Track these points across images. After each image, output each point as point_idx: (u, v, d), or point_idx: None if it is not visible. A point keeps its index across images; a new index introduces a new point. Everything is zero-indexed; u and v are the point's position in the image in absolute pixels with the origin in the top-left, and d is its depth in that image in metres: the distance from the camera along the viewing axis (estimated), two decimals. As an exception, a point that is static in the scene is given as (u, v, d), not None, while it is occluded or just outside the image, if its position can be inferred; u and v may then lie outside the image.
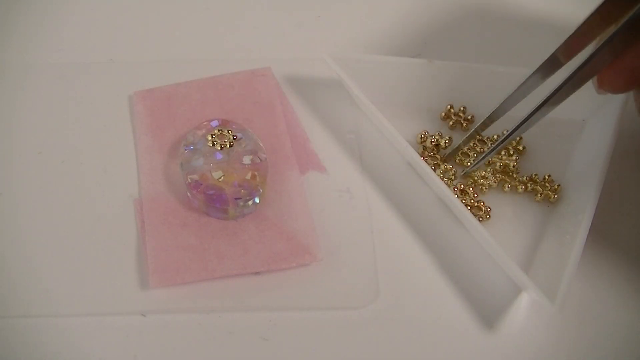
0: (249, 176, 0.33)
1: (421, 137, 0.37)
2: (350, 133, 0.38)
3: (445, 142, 0.37)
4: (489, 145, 0.37)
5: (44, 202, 0.34)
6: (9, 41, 0.40)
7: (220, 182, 0.33)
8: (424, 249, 0.34)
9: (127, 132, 0.37)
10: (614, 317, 0.32)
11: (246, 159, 0.34)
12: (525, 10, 0.44)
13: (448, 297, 0.32)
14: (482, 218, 0.34)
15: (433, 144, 0.37)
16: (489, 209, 0.35)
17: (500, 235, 0.34)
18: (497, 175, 0.36)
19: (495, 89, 0.36)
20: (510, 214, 0.35)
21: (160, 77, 0.39)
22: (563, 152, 0.37)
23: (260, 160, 0.34)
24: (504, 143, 0.34)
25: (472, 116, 0.38)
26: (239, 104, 0.38)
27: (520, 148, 0.37)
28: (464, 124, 0.38)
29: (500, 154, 0.37)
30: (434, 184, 0.34)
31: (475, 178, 0.36)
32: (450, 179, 0.36)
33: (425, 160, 0.36)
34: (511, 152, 0.37)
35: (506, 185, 0.36)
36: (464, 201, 0.35)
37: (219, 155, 0.33)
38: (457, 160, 0.37)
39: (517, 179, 0.36)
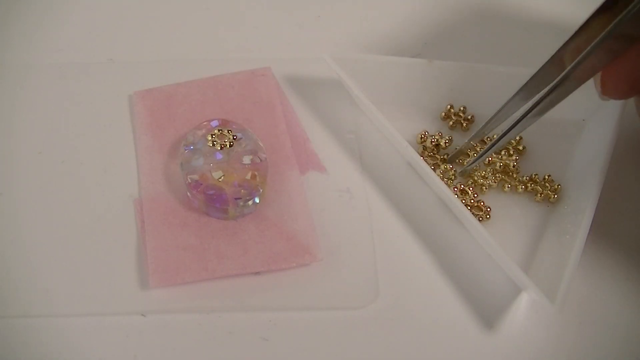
0: (249, 176, 0.33)
1: (421, 137, 0.37)
2: (350, 133, 0.38)
3: (445, 142, 0.37)
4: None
5: (44, 202, 0.34)
6: (9, 41, 0.40)
7: (220, 182, 0.33)
8: (424, 249, 0.34)
9: (127, 132, 0.37)
10: (614, 317, 0.32)
11: (246, 159, 0.34)
12: (525, 10, 0.44)
13: (448, 297, 0.32)
14: (482, 218, 0.34)
15: (433, 144, 0.37)
16: (488, 209, 0.35)
17: (500, 235, 0.34)
18: (497, 175, 0.36)
19: (495, 89, 0.36)
20: (510, 214, 0.35)
21: (160, 77, 0.39)
22: (563, 152, 0.37)
23: (260, 160, 0.34)
24: (498, 144, 0.34)
25: (472, 116, 0.38)
26: (239, 104, 0.38)
27: (520, 148, 0.37)
28: (464, 124, 0.38)
29: (500, 154, 0.37)
30: (434, 184, 0.34)
31: (475, 178, 0.36)
32: (450, 179, 0.36)
33: (425, 160, 0.36)
34: (511, 152, 0.37)
35: (506, 185, 0.36)
36: (464, 201, 0.35)
37: (219, 155, 0.33)
38: (458, 161, 0.37)
39: (517, 179, 0.36)
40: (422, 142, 0.37)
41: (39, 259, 0.32)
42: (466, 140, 0.36)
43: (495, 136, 0.37)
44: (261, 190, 0.33)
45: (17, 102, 0.38)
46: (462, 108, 0.38)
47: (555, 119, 0.35)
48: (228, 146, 0.34)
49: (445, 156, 0.37)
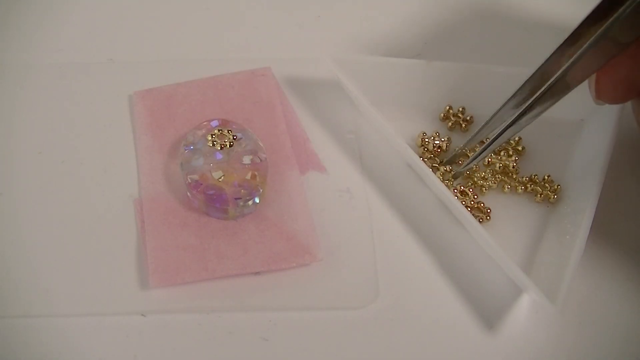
0: (249, 176, 0.33)
1: (421, 140, 0.37)
2: (350, 133, 0.38)
3: (446, 145, 0.37)
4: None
5: (44, 202, 0.34)
6: (9, 41, 0.40)
7: (220, 182, 0.33)
8: (424, 249, 0.34)
9: (127, 132, 0.37)
10: (615, 317, 0.32)
11: (246, 159, 0.34)
12: (525, 10, 0.44)
13: (448, 298, 0.32)
14: (482, 219, 0.34)
15: (435, 147, 0.37)
16: (489, 210, 0.35)
17: (501, 236, 0.34)
18: (497, 176, 0.36)
19: (494, 89, 0.36)
20: (510, 214, 0.35)
21: (160, 77, 0.39)
22: (562, 152, 0.37)
23: (260, 160, 0.34)
24: (491, 146, 0.33)
25: (471, 117, 0.38)
26: (239, 104, 0.38)
27: (520, 149, 0.37)
28: (463, 125, 0.38)
29: (499, 155, 0.37)
30: (434, 186, 0.34)
31: (475, 179, 0.36)
32: (450, 180, 0.36)
33: (425, 162, 0.36)
34: (510, 153, 0.37)
35: (506, 186, 0.36)
36: (464, 202, 0.35)
37: (219, 155, 0.34)
38: (459, 161, 0.37)
39: (517, 180, 0.36)
40: (422, 145, 0.37)
41: (39, 259, 0.32)
42: (461, 145, 0.36)
43: (487, 139, 0.37)
44: (261, 190, 0.33)
45: (17, 102, 0.38)
46: (461, 109, 0.38)
47: (554, 119, 0.35)
48: (228, 146, 0.34)
49: (444, 159, 0.37)
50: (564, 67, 0.29)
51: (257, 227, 0.33)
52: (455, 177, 0.36)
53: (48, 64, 0.39)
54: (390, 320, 0.32)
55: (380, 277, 0.33)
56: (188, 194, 0.34)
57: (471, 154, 0.36)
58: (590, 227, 0.32)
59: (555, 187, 0.35)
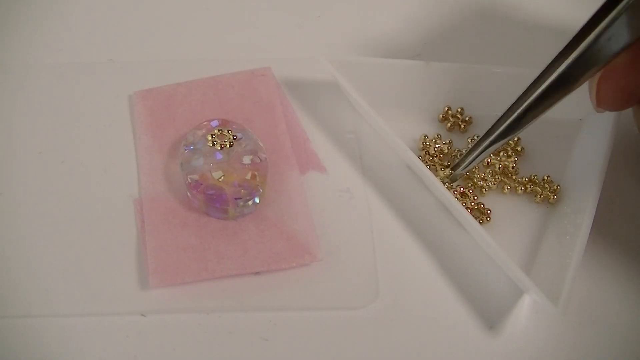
0: (249, 176, 0.33)
1: (423, 143, 0.37)
2: (350, 133, 0.38)
3: (447, 148, 0.37)
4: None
5: (44, 202, 0.34)
6: (9, 41, 0.40)
7: (220, 182, 0.33)
8: (424, 249, 0.34)
9: (127, 132, 0.37)
10: (615, 318, 0.32)
11: (246, 159, 0.34)
12: (525, 10, 0.44)
13: (448, 298, 0.32)
14: (482, 220, 0.34)
15: (437, 150, 0.36)
16: (489, 211, 0.35)
17: (501, 236, 0.34)
18: (497, 177, 0.36)
19: (493, 90, 0.36)
20: (510, 215, 0.35)
21: (160, 77, 0.39)
22: (561, 152, 0.37)
23: (260, 160, 0.34)
24: (487, 151, 0.33)
25: (470, 117, 0.38)
26: (239, 104, 0.38)
27: (519, 149, 0.37)
28: (462, 126, 0.38)
29: (499, 156, 0.37)
30: (435, 187, 0.34)
31: (475, 180, 0.36)
32: (449, 183, 0.35)
33: (425, 163, 0.36)
34: (510, 154, 0.37)
35: (505, 187, 0.36)
36: (464, 204, 0.35)
37: (219, 155, 0.34)
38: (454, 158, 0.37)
39: (517, 181, 0.36)
40: (424, 149, 0.37)
41: (39, 259, 0.32)
42: (465, 151, 0.35)
43: (477, 136, 0.37)
44: (261, 190, 0.33)
45: (17, 102, 0.38)
46: (460, 109, 0.38)
47: (553, 119, 0.35)
48: (228, 146, 0.34)
49: (448, 162, 0.37)
50: (564, 66, 0.29)
51: (257, 227, 0.33)
52: (452, 179, 0.35)
53: (48, 64, 0.40)
54: (390, 320, 0.32)
55: (380, 277, 0.33)
56: (188, 194, 0.34)
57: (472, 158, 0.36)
58: (591, 227, 0.32)
59: (555, 187, 0.35)
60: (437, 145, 0.37)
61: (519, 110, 0.31)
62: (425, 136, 0.37)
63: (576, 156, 0.37)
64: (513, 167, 0.36)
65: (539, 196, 0.35)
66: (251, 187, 0.33)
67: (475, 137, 0.37)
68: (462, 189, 0.35)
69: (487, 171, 0.36)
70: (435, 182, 0.33)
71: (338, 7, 0.44)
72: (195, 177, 0.33)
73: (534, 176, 0.36)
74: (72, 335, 0.31)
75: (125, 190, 0.35)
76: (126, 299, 0.31)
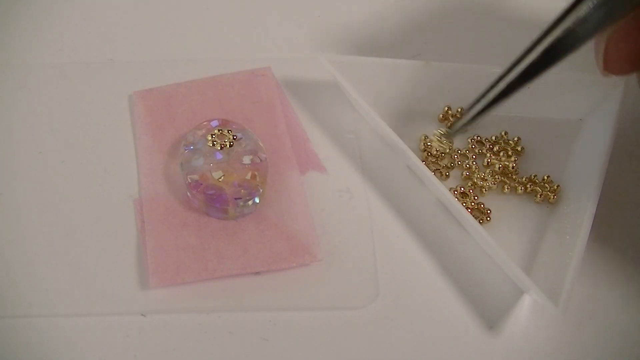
0: (249, 176, 0.33)
1: (424, 144, 0.37)
2: (350, 133, 0.38)
3: (449, 148, 0.36)
4: (487, 146, 0.37)
5: (44, 202, 0.34)
6: (9, 41, 0.40)
7: (220, 182, 0.33)
8: (424, 249, 0.34)
9: (127, 132, 0.37)
10: (615, 318, 0.32)
11: (246, 159, 0.34)
12: (525, 10, 0.44)
13: (449, 298, 0.32)
14: (482, 220, 0.34)
15: (438, 151, 0.36)
16: (489, 211, 0.35)
17: (501, 236, 0.34)
18: (497, 177, 0.36)
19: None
20: (510, 215, 0.35)
21: (160, 77, 0.39)
22: (561, 152, 0.37)
23: (260, 160, 0.34)
24: (490, 107, 0.32)
25: (470, 117, 0.38)
26: (239, 104, 0.38)
27: (519, 149, 0.37)
28: (462, 126, 0.38)
29: (499, 156, 0.37)
30: (435, 187, 0.34)
31: (475, 180, 0.36)
32: (450, 140, 0.35)
33: (426, 164, 0.36)
34: (510, 154, 0.37)
35: (505, 187, 0.36)
36: (464, 204, 0.35)
37: (219, 155, 0.34)
38: (454, 157, 0.36)
39: (517, 180, 0.36)
40: (425, 149, 0.37)
41: (39, 259, 0.32)
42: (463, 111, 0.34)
43: (493, 137, 0.37)
44: (261, 190, 0.33)
45: (17, 102, 0.38)
46: (459, 109, 0.38)
47: (553, 119, 0.35)
48: (228, 146, 0.34)
49: (450, 164, 0.37)
50: (571, 24, 0.28)
51: (257, 227, 0.33)
52: (449, 135, 0.34)
53: (48, 64, 0.40)
54: (390, 320, 0.32)
55: (380, 277, 0.33)
56: (188, 194, 0.34)
57: (470, 153, 0.36)
58: (590, 227, 0.32)
59: (555, 187, 0.35)
60: (437, 144, 0.36)
61: (524, 65, 0.30)
62: (426, 136, 0.37)
63: (576, 156, 0.37)
64: (513, 167, 0.36)
65: (539, 196, 0.35)
66: (251, 187, 0.33)
67: (476, 137, 0.37)
68: (462, 189, 0.35)
69: (487, 171, 0.36)
70: (435, 182, 0.33)
71: (338, 6, 0.44)
72: (195, 177, 0.33)
73: (534, 176, 0.36)
74: (72, 335, 0.31)
75: (125, 190, 0.35)
76: (126, 298, 0.31)
